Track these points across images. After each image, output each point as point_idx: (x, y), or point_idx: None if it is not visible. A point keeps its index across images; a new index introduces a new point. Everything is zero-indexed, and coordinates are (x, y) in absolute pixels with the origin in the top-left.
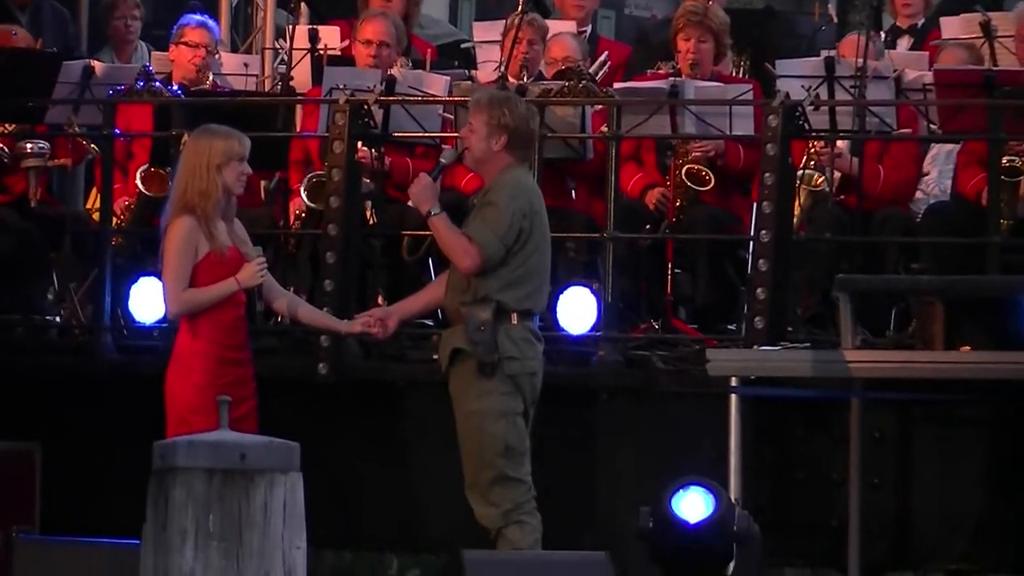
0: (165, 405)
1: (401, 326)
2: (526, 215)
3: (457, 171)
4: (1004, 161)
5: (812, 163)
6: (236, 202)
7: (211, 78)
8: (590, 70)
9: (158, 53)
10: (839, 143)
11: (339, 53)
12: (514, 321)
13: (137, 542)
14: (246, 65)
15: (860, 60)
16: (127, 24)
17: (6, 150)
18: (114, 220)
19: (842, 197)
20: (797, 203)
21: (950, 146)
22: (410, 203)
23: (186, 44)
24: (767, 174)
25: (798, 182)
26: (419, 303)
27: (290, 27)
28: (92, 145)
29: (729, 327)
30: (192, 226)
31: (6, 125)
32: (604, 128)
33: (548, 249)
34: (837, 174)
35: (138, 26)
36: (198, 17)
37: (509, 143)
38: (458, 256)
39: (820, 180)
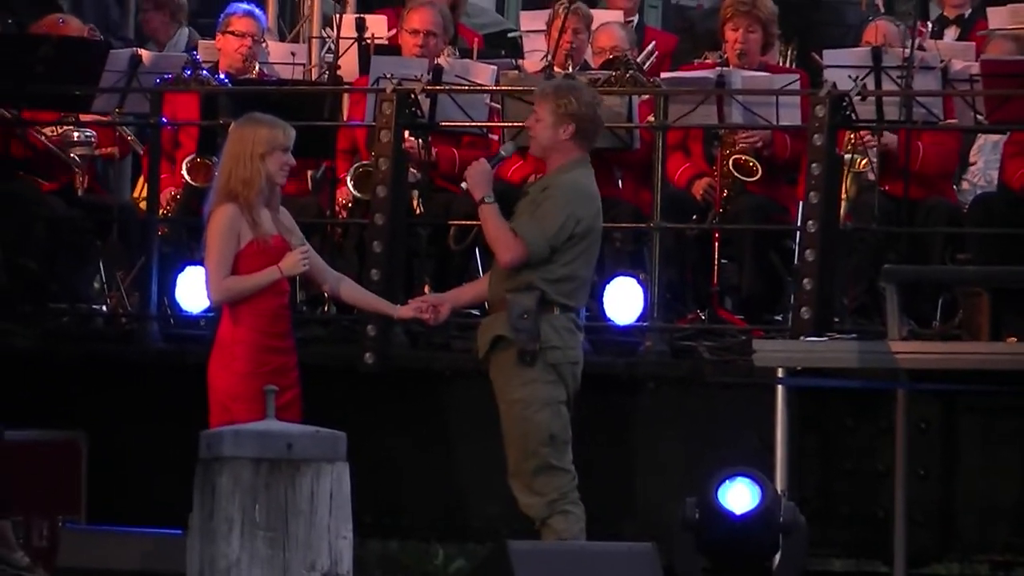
0: (208, 395)
1: (451, 314)
2: (580, 220)
3: (506, 162)
4: None
5: (853, 145)
6: (281, 191)
7: (258, 67)
8: (637, 59)
9: (205, 41)
10: None
11: (386, 42)
12: (556, 312)
13: (183, 531)
14: (293, 54)
15: (907, 50)
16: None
17: (54, 136)
18: (161, 209)
19: (886, 187)
20: (843, 193)
21: (997, 136)
22: (463, 185)
23: (233, 33)
24: (814, 164)
25: (844, 168)
26: (470, 293)
27: (337, 16)
28: (133, 140)
29: (775, 317)
30: (234, 214)
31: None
32: (651, 118)
33: (596, 252)
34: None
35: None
36: (245, 6)
37: (576, 132)
38: (501, 248)
39: (863, 163)
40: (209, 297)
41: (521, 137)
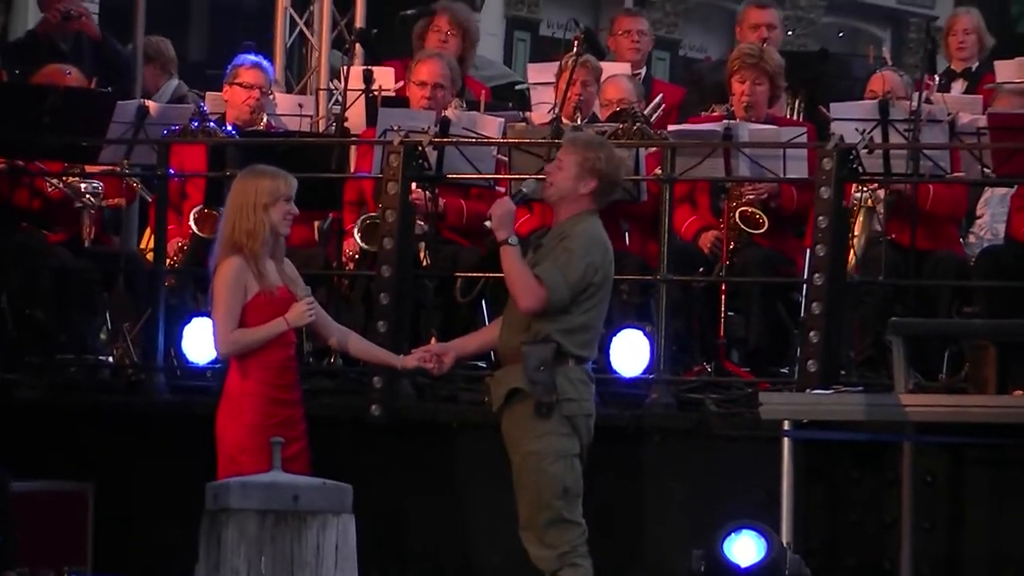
0: (217, 446)
1: (454, 366)
2: (598, 269)
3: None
4: None
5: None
6: (286, 242)
7: (265, 119)
8: (644, 112)
9: (212, 93)
10: None
11: (393, 94)
12: (571, 364)
13: None
14: (300, 106)
15: (915, 104)
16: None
17: (60, 186)
18: (168, 260)
19: (893, 236)
20: (851, 246)
21: (1004, 190)
22: (487, 223)
23: (241, 85)
24: (821, 217)
25: (854, 207)
26: (475, 342)
27: (344, 68)
28: (141, 187)
29: (782, 370)
30: (240, 266)
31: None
32: (658, 170)
33: (608, 301)
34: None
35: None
36: (253, 58)
37: (597, 188)
38: (522, 293)
39: (870, 201)
40: (217, 350)
41: (527, 185)
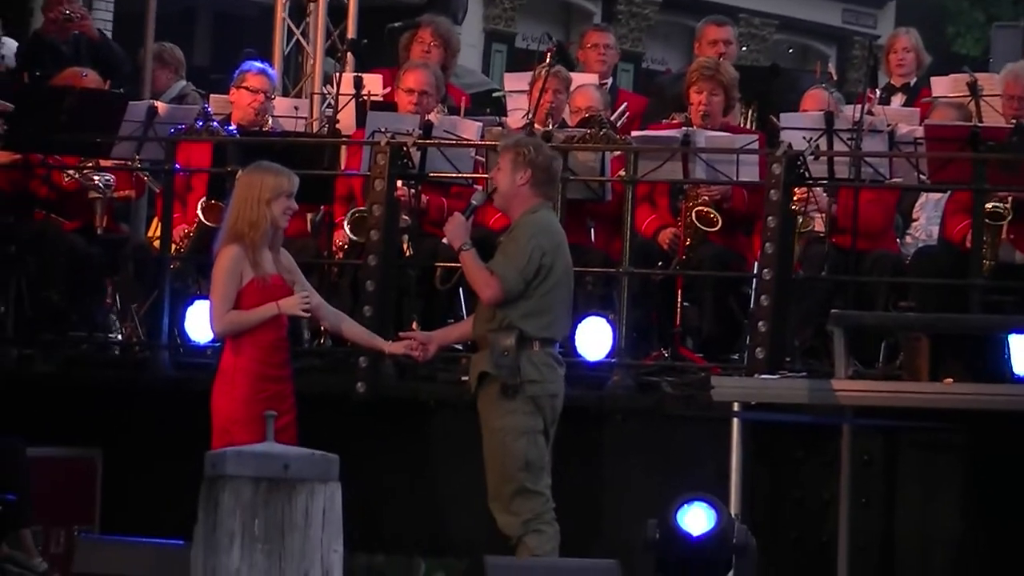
0: (211, 418)
1: (437, 354)
2: (546, 252)
3: (488, 211)
4: (988, 206)
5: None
6: (283, 233)
7: (268, 122)
8: (610, 119)
9: (216, 96)
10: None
11: (381, 99)
12: (536, 348)
13: (188, 543)
14: (296, 108)
15: (856, 116)
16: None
17: (75, 178)
18: (172, 247)
19: (833, 239)
20: (796, 244)
21: (938, 195)
22: (444, 240)
23: (247, 88)
24: (770, 217)
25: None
26: (456, 332)
27: (337, 74)
28: (149, 180)
29: (732, 357)
30: (238, 254)
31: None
32: (622, 172)
33: (569, 283)
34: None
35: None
36: (259, 64)
37: (533, 178)
38: (481, 287)
39: (811, 214)
40: (212, 329)
41: (476, 198)
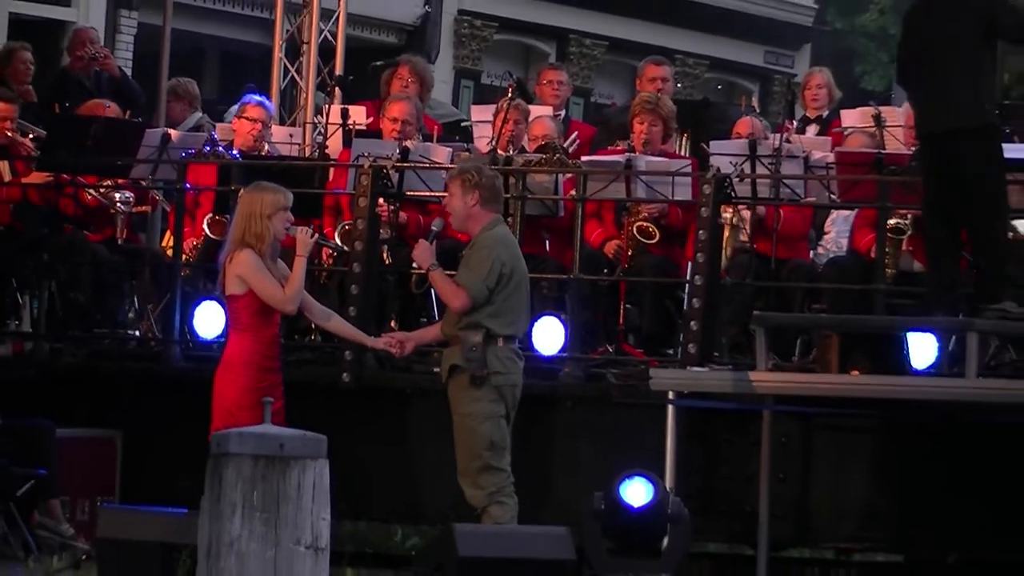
0: (213, 403)
1: (413, 351)
2: (505, 263)
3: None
4: (891, 223)
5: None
6: (280, 245)
7: (266, 147)
8: (563, 145)
9: (222, 124)
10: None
11: (365, 127)
12: (500, 344)
13: (196, 511)
14: (291, 135)
15: (776, 143)
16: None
17: (98, 196)
18: (183, 256)
19: (757, 246)
20: (723, 254)
21: (847, 212)
22: (414, 263)
23: (247, 118)
24: (701, 231)
25: (725, 233)
26: (430, 334)
27: (326, 106)
28: (162, 198)
29: (668, 351)
30: (255, 255)
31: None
32: (573, 192)
33: (526, 287)
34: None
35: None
36: (258, 97)
37: (481, 198)
38: (450, 299)
39: (735, 219)
40: (285, 309)
41: (435, 224)
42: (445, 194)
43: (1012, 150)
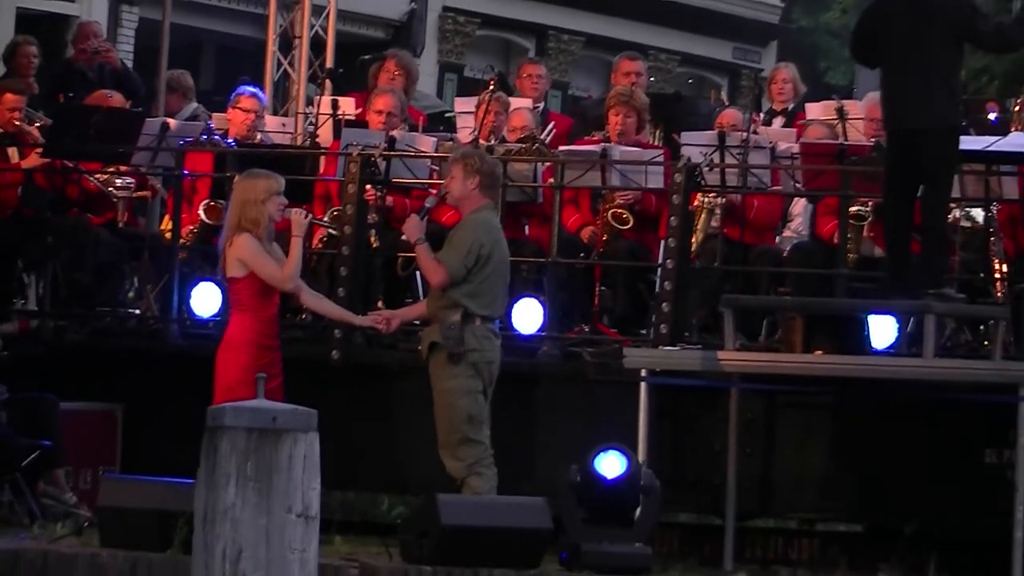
0: (215, 379)
1: (399, 328)
2: (484, 245)
3: (441, 210)
4: (853, 210)
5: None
6: (274, 228)
7: (258, 136)
8: (542, 136)
9: (218, 114)
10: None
11: (354, 118)
12: (478, 323)
13: (192, 481)
14: (283, 125)
15: (743, 135)
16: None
17: (100, 181)
18: (181, 239)
19: (727, 231)
20: (694, 240)
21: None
22: (403, 236)
23: (241, 109)
24: (672, 218)
25: (698, 210)
26: (414, 312)
27: (317, 97)
28: (160, 186)
29: (641, 332)
30: (253, 239)
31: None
32: (551, 180)
33: (506, 270)
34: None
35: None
36: (251, 89)
37: (480, 183)
38: (430, 274)
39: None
40: (284, 287)
41: (429, 201)
42: (430, 181)
43: (968, 142)
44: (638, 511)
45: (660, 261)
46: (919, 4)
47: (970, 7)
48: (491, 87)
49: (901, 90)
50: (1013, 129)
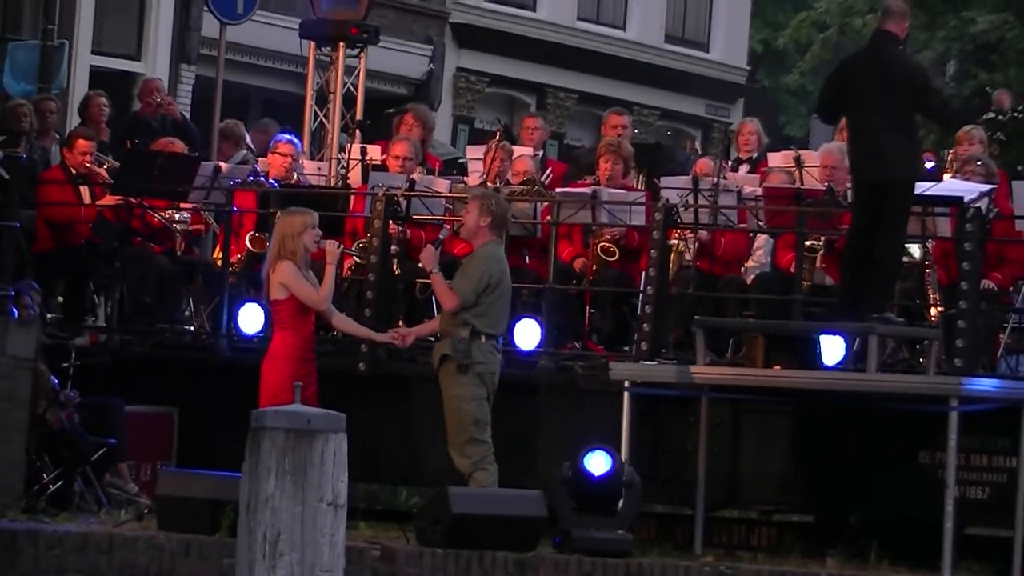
0: (260, 387)
1: (414, 343)
2: (493, 275)
3: (453, 243)
4: (808, 244)
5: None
6: (310, 257)
7: (296, 176)
8: (541, 179)
9: (262, 159)
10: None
11: (380, 162)
12: (483, 339)
13: (238, 474)
14: (319, 168)
15: (714, 179)
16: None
17: (162, 216)
18: (230, 267)
19: (697, 264)
20: (671, 269)
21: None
22: (420, 264)
23: (279, 153)
24: (652, 251)
25: (672, 253)
26: (428, 328)
27: (348, 145)
28: (212, 220)
29: (624, 348)
30: (294, 266)
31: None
32: (548, 217)
33: (509, 295)
34: (694, 246)
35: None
36: (287, 136)
37: (492, 222)
38: (444, 300)
39: (682, 248)
40: (319, 308)
41: (442, 233)
42: (446, 217)
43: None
44: (621, 502)
45: (642, 288)
46: (883, 70)
47: (924, 81)
48: (497, 137)
49: (867, 145)
50: (947, 175)
